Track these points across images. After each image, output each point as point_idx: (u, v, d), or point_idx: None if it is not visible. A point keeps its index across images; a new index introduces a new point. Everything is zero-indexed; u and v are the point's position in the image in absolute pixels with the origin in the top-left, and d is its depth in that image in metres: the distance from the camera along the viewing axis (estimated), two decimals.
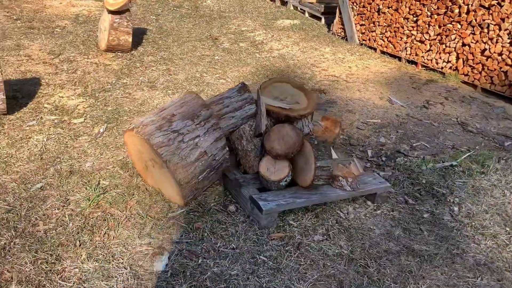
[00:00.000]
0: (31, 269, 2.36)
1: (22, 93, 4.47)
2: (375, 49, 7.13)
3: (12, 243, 2.53)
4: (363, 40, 7.37)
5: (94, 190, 3.05)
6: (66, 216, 2.79)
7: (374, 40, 7.13)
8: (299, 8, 9.76)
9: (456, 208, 3.25)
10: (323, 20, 8.76)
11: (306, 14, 9.36)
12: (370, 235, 2.86)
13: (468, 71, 5.81)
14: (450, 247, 2.83)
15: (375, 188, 3.13)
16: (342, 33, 7.74)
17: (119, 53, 5.99)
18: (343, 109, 4.82)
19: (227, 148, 2.91)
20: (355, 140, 4.19)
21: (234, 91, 3.14)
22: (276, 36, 7.57)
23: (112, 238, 2.65)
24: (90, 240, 2.61)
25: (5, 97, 3.79)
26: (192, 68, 5.66)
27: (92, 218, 2.80)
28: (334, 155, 3.13)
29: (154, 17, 8.16)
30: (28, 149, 3.50)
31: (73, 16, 7.69)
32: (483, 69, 5.62)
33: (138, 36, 6.87)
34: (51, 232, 2.65)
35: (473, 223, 3.09)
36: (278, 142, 2.91)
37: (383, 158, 3.89)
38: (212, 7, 9.47)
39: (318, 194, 2.94)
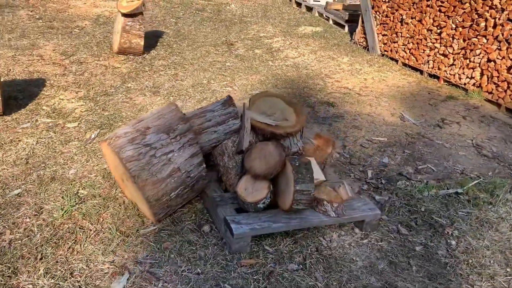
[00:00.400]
0: None
1: (24, 93, 4.48)
2: (396, 61, 6.82)
3: None
4: (385, 50, 7.07)
5: (70, 199, 2.97)
6: (35, 226, 2.71)
7: (396, 51, 6.83)
8: (324, 15, 9.53)
9: (454, 242, 2.97)
10: (346, 28, 8.50)
11: (330, 22, 9.12)
12: (351, 267, 2.64)
13: (492, 89, 5.43)
14: (439, 287, 2.57)
15: (363, 215, 2.90)
16: (364, 43, 7.46)
17: (130, 56, 5.97)
18: (349, 125, 4.58)
19: (204, 165, 2.76)
20: (356, 159, 3.95)
21: (219, 104, 3.00)
22: (294, 43, 7.38)
23: (76, 253, 2.54)
24: (53, 254, 2.52)
25: (1, 98, 3.78)
26: (200, 74, 5.56)
27: (61, 229, 2.71)
28: (321, 176, 2.92)
29: (174, 20, 8.14)
30: (15, 153, 3.47)
31: (94, 17, 7.77)
32: (508, 87, 5.24)
33: (154, 39, 6.85)
34: (16, 242, 2.58)
35: (470, 260, 2.81)
36: (259, 161, 2.74)
37: (383, 181, 3.64)
38: (235, 11, 9.37)
39: (298, 218, 2.74)
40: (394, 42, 6.85)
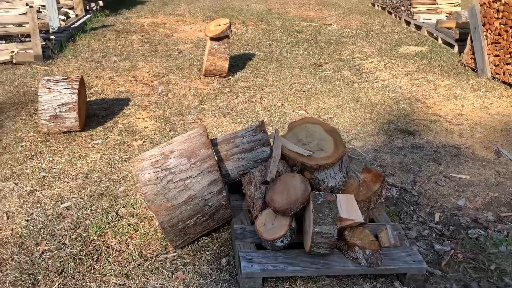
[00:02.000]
0: None
1: (107, 111, 4.86)
2: (510, 85, 5.89)
3: (10, 259, 2.67)
4: (496, 73, 6.16)
5: (108, 217, 3.06)
6: (69, 240, 2.84)
7: (510, 75, 5.90)
8: (434, 35, 8.75)
9: None
10: (456, 48, 7.66)
11: (439, 41, 8.32)
12: None
13: None
14: None
15: (403, 268, 2.46)
16: (472, 64, 6.62)
17: (216, 78, 6.12)
18: (427, 157, 4.02)
19: (224, 194, 2.61)
20: (426, 198, 3.43)
21: (250, 130, 2.84)
22: (390, 64, 6.87)
23: (93, 271, 2.59)
24: (73, 270, 2.59)
25: (77, 115, 4.13)
26: (276, 96, 5.45)
27: (90, 246, 2.80)
28: (358, 217, 2.56)
29: (269, 42, 8.20)
30: (79, 167, 3.73)
31: (196, 41, 8.21)
32: None
33: (243, 60, 6.96)
34: (46, 253, 2.72)
35: None
36: (281, 195, 2.51)
37: (451, 227, 3.08)
38: (335, 32, 9.11)
39: (320, 263, 2.43)
40: (508, 64, 5.93)
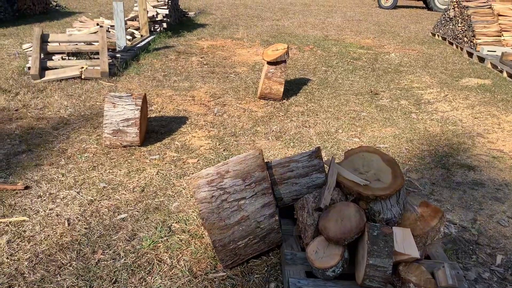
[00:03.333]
0: None
1: (165, 128, 5.03)
2: None
3: (68, 264, 2.79)
4: None
5: (161, 231, 3.14)
6: (123, 250, 2.94)
7: None
8: (499, 67, 8.41)
9: None
10: None
11: (504, 74, 7.98)
12: None
13: None
14: None
15: None
16: None
17: (270, 101, 6.20)
18: (488, 195, 3.82)
19: (276, 217, 2.61)
20: (486, 239, 3.25)
21: (305, 156, 2.84)
22: (450, 96, 6.65)
23: (143, 284, 2.65)
24: (125, 280, 2.67)
25: (138, 131, 4.31)
26: (330, 123, 5.42)
27: (143, 258, 2.88)
28: (414, 252, 2.46)
29: (325, 68, 8.22)
30: (137, 180, 3.87)
31: (252, 64, 8.38)
32: None
33: (298, 85, 7.01)
34: (102, 262, 2.82)
35: None
36: (335, 223, 2.47)
37: None
38: (393, 60, 8.99)
39: None
40: None
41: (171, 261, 2.86)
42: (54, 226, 3.15)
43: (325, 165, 2.91)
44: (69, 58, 7.01)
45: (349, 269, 2.54)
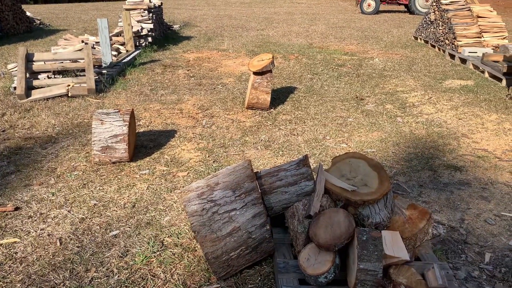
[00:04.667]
0: None
1: (154, 143, 5.05)
2: None
3: (62, 284, 2.79)
4: None
5: (153, 246, 3.15)
6: (116, 267, 2.94)
7: None
8: (480, 68, 8.58)
9: None
10: (504, 82, 7.47)
11: (486, 75, 8.14)
12: None
13: None
14: None
15: None
16: None
17: (258, 111, 6.25)
18: (475, 194, 3.90)
19: (268, 227, 2.65)
20: (475, 238, 3.31)
21: (294, 164, 2.88)
22: (434, 98, 6.77)
23: None
24: None
25: (127, 147, 4.32)
26: (318, 130, 5.48)
27: (136, 274, 2.88)
28: (404, 255, 2.51)
29: (310, 76, 8.31)
30: (127, 196, 3.88)
31: (239, 74, 8.44)
32: None
33: (285, 94, 7.08)
34: (95, 280, 2.82)
35: None
36: (325, 230, 2.51)
37: (503, 269, 2.95)
38: (377, 65, 9.12)
39: None
40: None
41: (165, 276, 2.87)
42: (46, 246, 3.14)
43: (313, 173, 2.95)
44: (55, 76, 7.00)
45: (341, 275, 2.58)
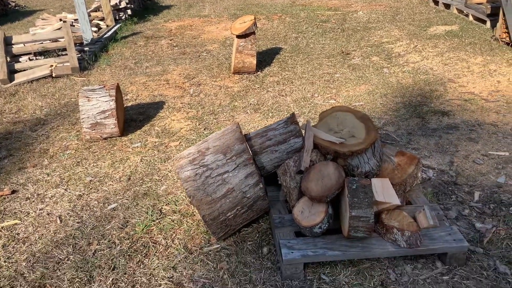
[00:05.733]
0: (66, 286, 2.62)
1: (144, 115, 5.04)
2: None
3: (66, 259, 2.86)
4: None
5: (152, 215, 3.22)
6: (118, 238, 3.01)
7: None
8: (464, 12, 8.50)
9: None
10: (488, 23, 7.43)
11: (470, 18, 8.08)
12: None
13: None
14: None
15: (444, 247, 2.47)
16: (507, 38, 6.41)
17: (245, 75, 6.22)
18: (463, 137, 3.97)
19: (261, 185, 2.70)
20: (464, 178, 3.40)
21: (281, 123, 2.91)
22: (419, 46, 6.75)
23: (143, 266, 2.74)
24: (124, 266, 2.76)
25: (116, 121, 4.33)
26: (306, 88, 5.48)
27: (138, 243, 2.96)
28: (395, 200, 2.58)
29: (295, 35, 8.22)
30: (122, 170, 3.92)
31: (223, 40, 8.33)
32: None
33: (271, 55, 7.03)
34: (99, 252, 2.90)
35: None
36: (316, 183, 2.57)
37: (491, 205, 3.05)
38: (361, 18, 9.02)
39: (359, 247, 2.48)
40: None
41: (166, 242, 2.95)
42: (46, 225, 3.20)
43: (301, 130, 2.99)
44: (37, 58, 6.89)
45: (336, 224, 2.66)
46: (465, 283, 2.40)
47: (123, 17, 10.38)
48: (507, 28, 6.38)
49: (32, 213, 3.35)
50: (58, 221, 3.24)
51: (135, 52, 7.80)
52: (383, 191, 2.62)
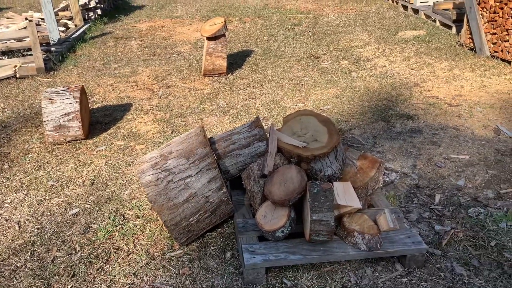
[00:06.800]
0: None
1: (110, 118, 4.95)
2: (508, 62, 5.88)
3: (24, 266, 2.77)
4: (495, 51, 6.15)
5: (115, 220, 3.16)
6: (79, 244, 2.94)
7: (508, 52, 5.88)
8: (432, 17, 8.71)
9: None
10: (454, 29, 7.64)
11: (437, 23, 8.29)
12: None
13: None
14: None
15: (403, 250, 2.51)
16: (471, 44, 6.60)
17: (215, 77, 6.19)
18: (426, 140, 4.06)
19: (224, 190, 2.69)
20: (426, 181, 3.47)
21: (246, 127, 2.91)
22: (387, 50, 6.88)
23: (103, 273, 2.68)
24: (84, 273, 2.69)
25: (81, 124, 4.23)
26: (276, 91, 5.50)
27: (99, 249, 2.89)
28: (356, 203, 2.61)
29: (267, 37, 8.24)
30: (86, 174, 3.83)
31: (194, 42, 8.28)
32: None
33: (242, 58, 7.02)
34: (58, 259, 2.82)
35: None
36: (278, 187, 2.57)
37: (451, 208, 3.12)
38: (332, 22, 9.13)
39: (321, 251, 2.50)
40: (505, 41, 5.91)
41: (128, 247, 2.89)
42: (4, 231, 3.10)
43: (266, 133, 2.99)
44: (0, 58, 6.67)
45: (299, 228, 2.67)
46: (423, 285, 2.45)
47: (93, 17, 10.19)
48: (471, 34, 6.57)
49: None
50: (17, 227, 3.14)
51: (104, 53, 7.66)
52: (345, 194, 2.64)
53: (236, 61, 6.88)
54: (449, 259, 2.63)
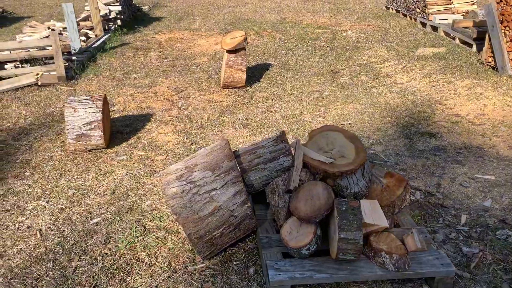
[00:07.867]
0: None
1: (130, 128, 4.98)
2: None
3: (45, 275, 2.76)
4: None
5: (136, 231, 3.14)
6: (100, 254, 2.93)
7: None
8: (451, 35, 8.67)
9: None
10: (474, 47, 7.58)
11: (457, 41, 8.24)
12: None
13: None
14: None
15: (432, 272, 2.45)
16: (492, 63, 6.53)
17: (234, 90, 6.21)
18: (450, 159, 3.99)
19: (249, 204, 2.66)
20: (451, 201, 3.40)
21: (271, 141, 2.89)
22: (407, 67, 6.84)
23: (124, 285, 2.66)
24: (105, 283, 2.67)
25: (102, 133, 4.25)
26: (295, 105, 5.49)
27: (120, 260, 2.87)
28: (383, 222, 2.56)
29: (285, 51, 8.27)
30: (106, 183, 3.84)
31: (212, 54, 8.33)
32: None
33: (261, 71, 7.04)
34: (80, 269, 2.81)
35: None
36: (305, 203, 2.54)
37: (478, 229, 3.05)
38: (350, 38, 9.13)
39: (347, 270, 2.44)
40: None
41: (149, 259, 2.87)
42: (26, 239, 3.10)
43: (291, 148, 2.97)
44: (23, 65, 6.78)
45: (325, 246, 2.63)
46: None
47: (113, 27, 10.33)
48: (492, 52, 6.51)
49: (11, 226, 3.25)
50: (38, 235, 3.14)
51: (124, 63, 7.74)
52: (372, 213, 2.60)
53: (254, 74, 6.90)
54: (478, 283, 2.56)
